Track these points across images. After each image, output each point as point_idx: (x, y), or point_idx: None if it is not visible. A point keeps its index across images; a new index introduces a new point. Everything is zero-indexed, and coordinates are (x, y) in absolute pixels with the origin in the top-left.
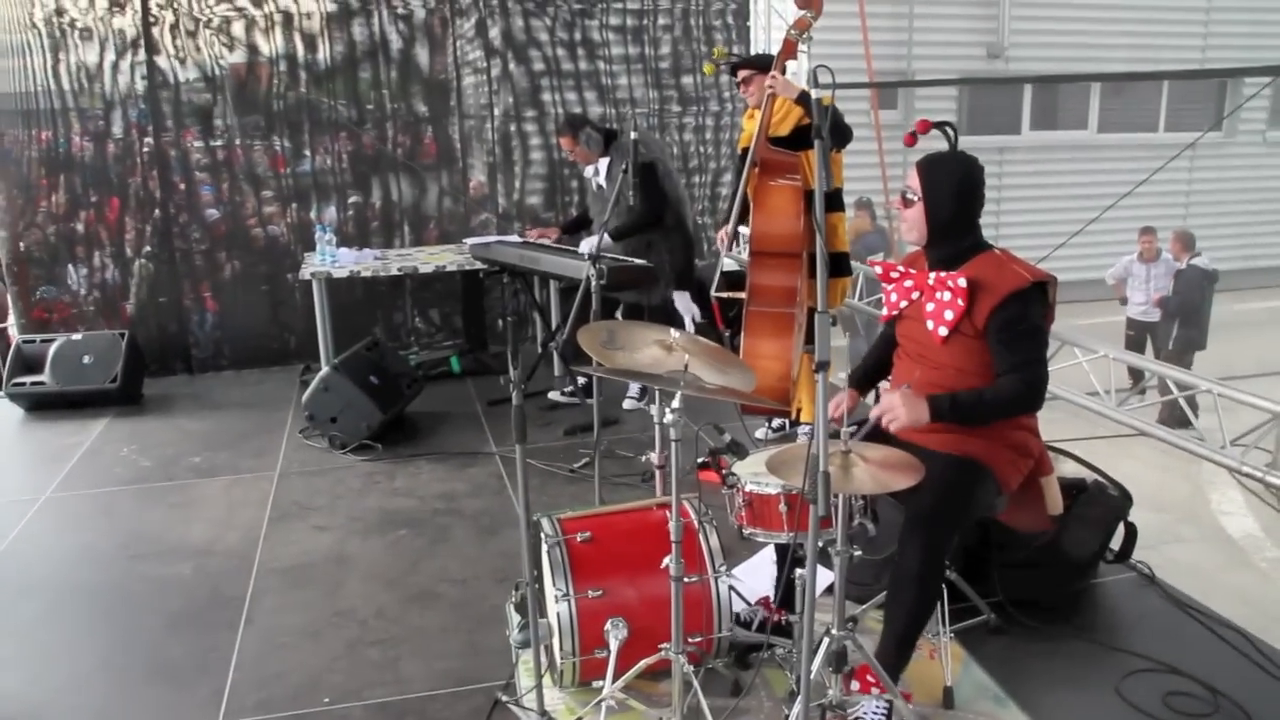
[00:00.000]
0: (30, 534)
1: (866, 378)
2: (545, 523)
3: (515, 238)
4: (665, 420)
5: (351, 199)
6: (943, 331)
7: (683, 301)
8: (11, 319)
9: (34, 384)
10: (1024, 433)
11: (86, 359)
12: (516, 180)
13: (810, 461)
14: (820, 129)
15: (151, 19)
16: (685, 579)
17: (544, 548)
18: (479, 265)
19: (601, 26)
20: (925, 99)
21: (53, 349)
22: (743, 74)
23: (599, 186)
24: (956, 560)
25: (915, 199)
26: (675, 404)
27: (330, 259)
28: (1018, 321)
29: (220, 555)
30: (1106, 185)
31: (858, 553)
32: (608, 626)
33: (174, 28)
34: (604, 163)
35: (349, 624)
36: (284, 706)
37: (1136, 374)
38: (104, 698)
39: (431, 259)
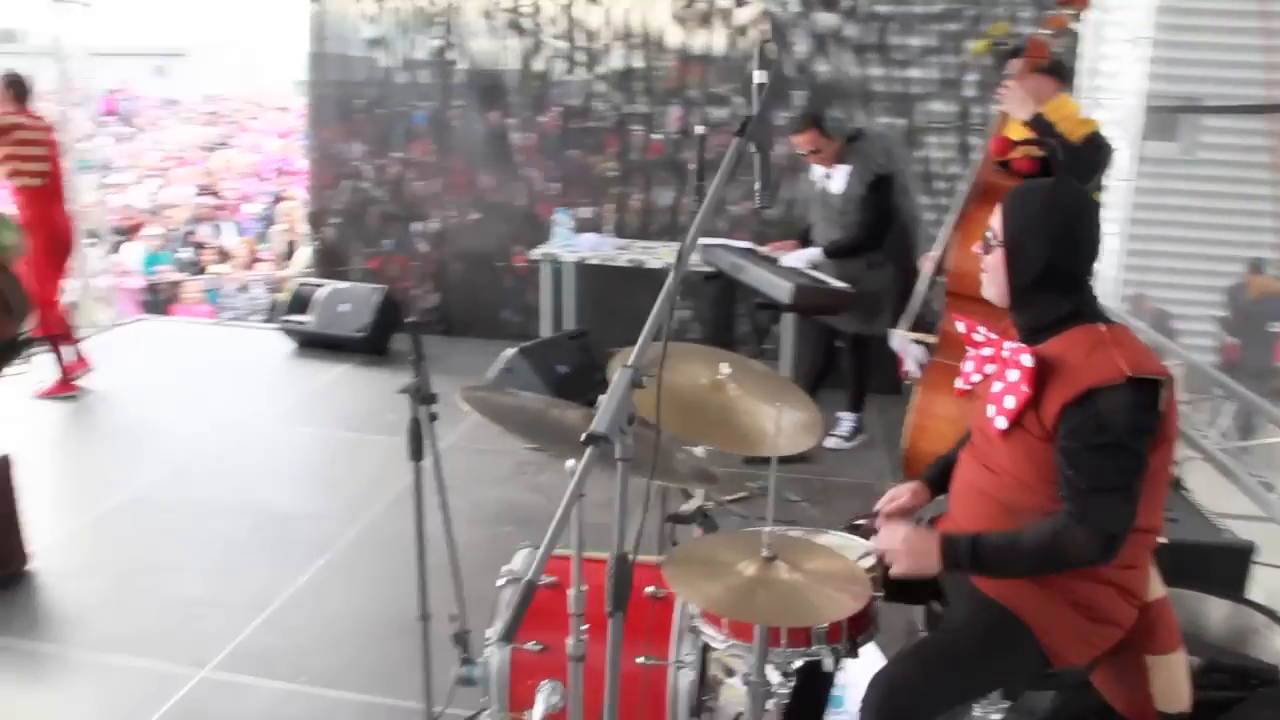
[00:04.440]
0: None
1: (944, 472)
2: (523, 555)
3: (744, 243)
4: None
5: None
6: (1001, 423)
7: (900, 339)
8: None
9: (299, 322)
10: (1106, 589)
11: (344, 307)
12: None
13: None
14: (1056, 155)
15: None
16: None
17: (499, 582)
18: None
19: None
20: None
21: (321, 294)
22: (1014, 64)
23: (827, 193)
24: None
25: (996, 243)
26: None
27: (568, 244)
28: (1095, 431)
29: (330, 516)
30: None
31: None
32: (539, 689)
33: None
34: (842, 169)
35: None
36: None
37: None
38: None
39: (668, 255)
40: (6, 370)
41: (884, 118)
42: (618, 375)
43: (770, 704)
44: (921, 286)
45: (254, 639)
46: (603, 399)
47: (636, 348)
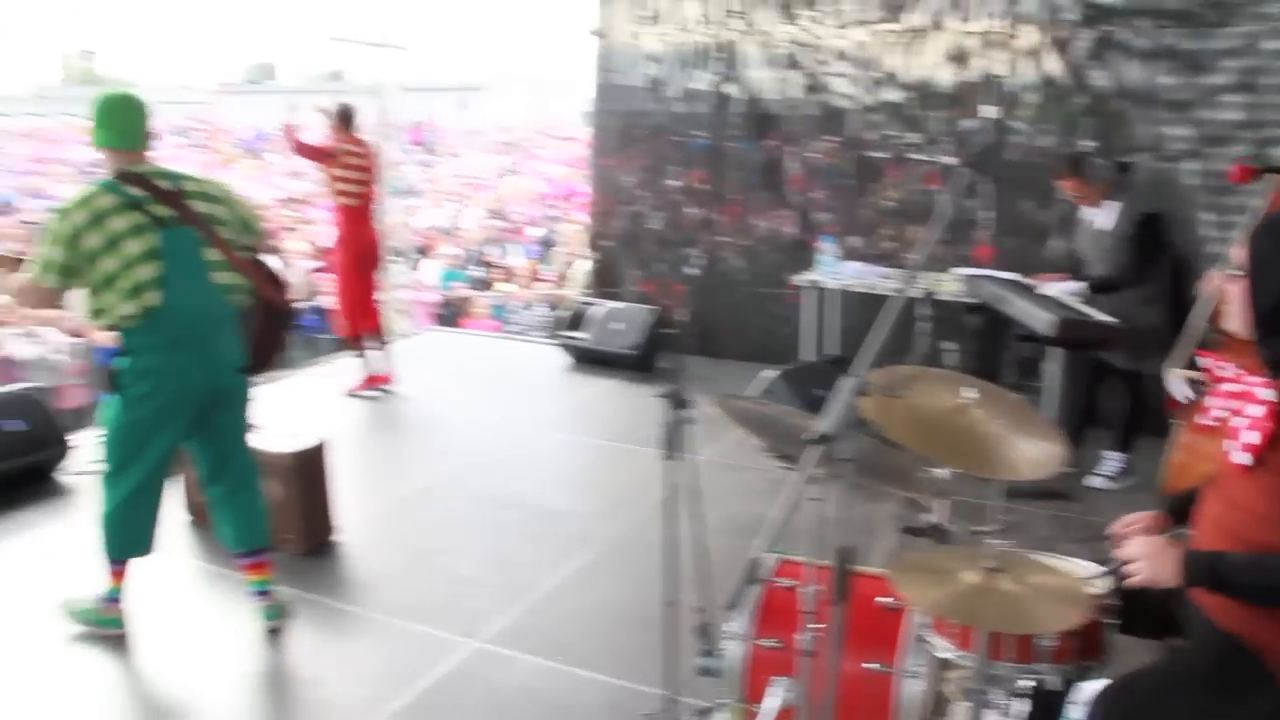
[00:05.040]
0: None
1: (1186, 504)
2: (767, 558)
3: (1008, 274)
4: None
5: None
6: (1242, 458)
7: (1173, 377)
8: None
9: (576, 338)
10: None
11: (617, 325)
12: None
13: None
14: None
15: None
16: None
17: (743, 582)
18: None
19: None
20: None
21: (597, 312)
22: None
23: (1097, 229)
24: None
25: (1240, 273)
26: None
27: (832, 271)
28: None
29: (592, 516)
30: None
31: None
32: (772, 683)
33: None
34: (1111, 205)
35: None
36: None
37: None
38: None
39: (939, 285)
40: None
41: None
42: (844, 381)
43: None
44: (1197, 319)
45: (519, 618)
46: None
47: (865, 358)
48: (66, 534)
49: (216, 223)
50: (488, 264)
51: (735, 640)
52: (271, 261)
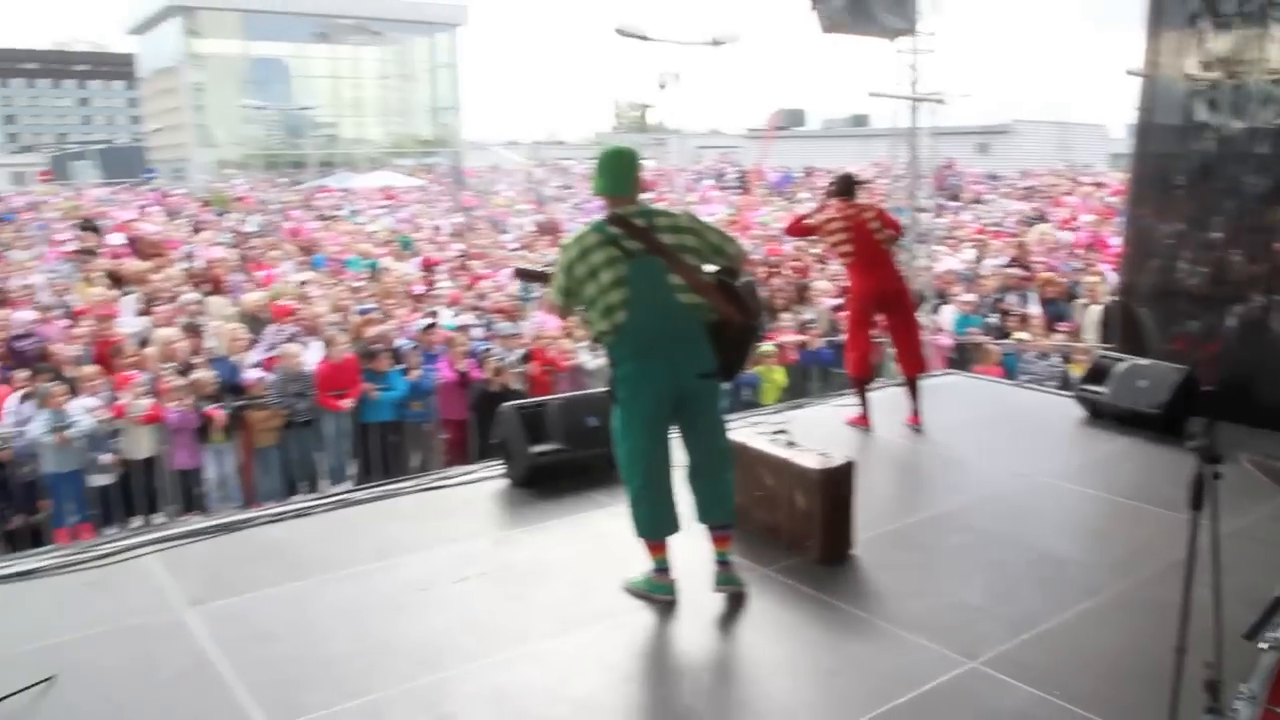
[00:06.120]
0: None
1: None
2: None
3: None
4: None
5: None
6: None
7: None
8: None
9: (1095, 392)
10: None
11: (1141, 383)
12: None
13: None
14: None
15: None
16: None
17: (1262, 646)
18: None
19: None
20: None
21: (1120, 368)
22: None
23: None
24: None
25: None
26: None
27: None
28: None
29: (1101, 567)
30: None
31: None
32: None
33: None
34: None
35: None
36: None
37: None
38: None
39: None
40: (749, 353)
41: None
42: None
43: None
44: None
45: (1019, 649)
46: None
47: None
48: (625, 517)
49: (683, 251)
50: (1004, 312)
51: (1248, 702)
52: (743, 282)
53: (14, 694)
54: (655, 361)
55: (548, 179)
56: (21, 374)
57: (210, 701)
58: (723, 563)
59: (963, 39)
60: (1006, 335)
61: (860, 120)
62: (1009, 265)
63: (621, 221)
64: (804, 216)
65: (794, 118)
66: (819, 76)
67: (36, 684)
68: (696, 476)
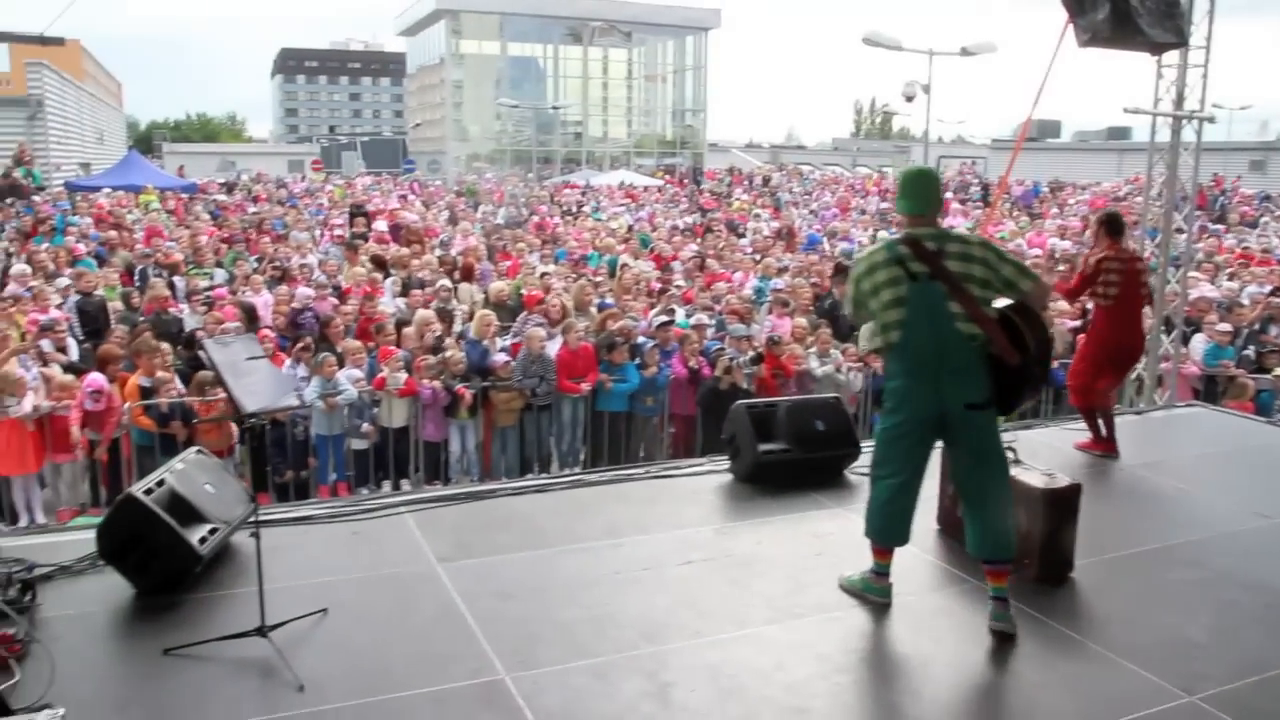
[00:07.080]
0: None
1: None
2: None
3: None
4: None
5: None
6: None
7: None
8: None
9: None
10: None
11: None
12: None
13: None
14: None
15: None
16: None
17: None
18: None
19: None
20: None
21: None
22: None
23: None
24: None
25: None
26: None
27: None
28: None
29: None
30: None
31: None
32: None
33: None
34: None
35: None
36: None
37: None
38: None
39: None
40: (1024, 398)
41: None
42: None
43: None
44: None
45: (1240, 691)
46: None
47: None
48: (843, 519)
49: (969, 280)
50: (1263, 344)
51: None
52: (1030, 319)
53: (296, 619)
54: (922, 384)
55: (785, 183)
56: (299, 345)
57: (459, 646)
58: (995, 599)
59: (1243, 46)
60: (1265, 370)
61: (1119, 133)
62: (1272, 294)
63: (913, 243)
64: (1079, 279)
65: (1048, 129)
66: (1077, 86)
67: (312, 614)
68: (964, 506)
